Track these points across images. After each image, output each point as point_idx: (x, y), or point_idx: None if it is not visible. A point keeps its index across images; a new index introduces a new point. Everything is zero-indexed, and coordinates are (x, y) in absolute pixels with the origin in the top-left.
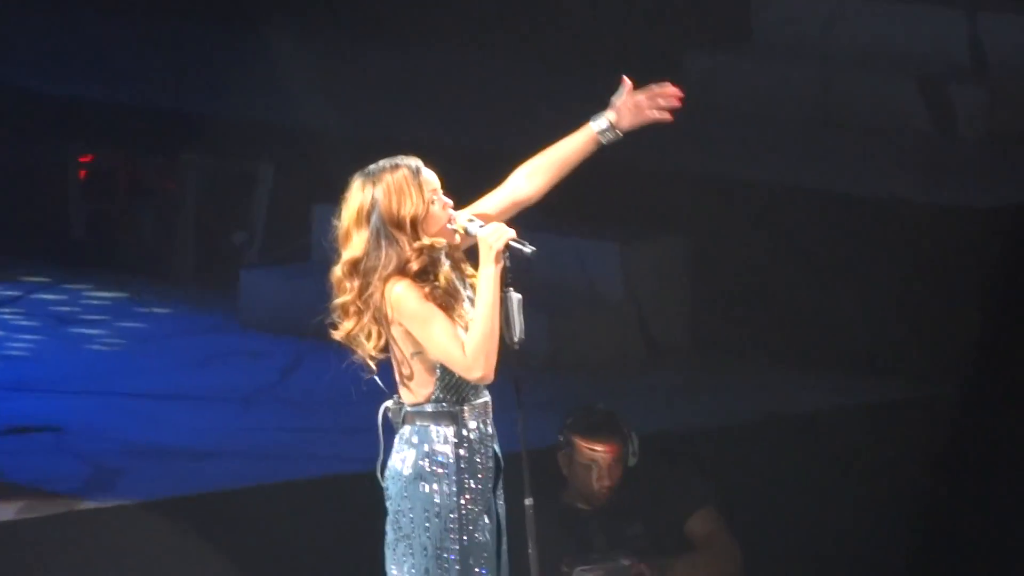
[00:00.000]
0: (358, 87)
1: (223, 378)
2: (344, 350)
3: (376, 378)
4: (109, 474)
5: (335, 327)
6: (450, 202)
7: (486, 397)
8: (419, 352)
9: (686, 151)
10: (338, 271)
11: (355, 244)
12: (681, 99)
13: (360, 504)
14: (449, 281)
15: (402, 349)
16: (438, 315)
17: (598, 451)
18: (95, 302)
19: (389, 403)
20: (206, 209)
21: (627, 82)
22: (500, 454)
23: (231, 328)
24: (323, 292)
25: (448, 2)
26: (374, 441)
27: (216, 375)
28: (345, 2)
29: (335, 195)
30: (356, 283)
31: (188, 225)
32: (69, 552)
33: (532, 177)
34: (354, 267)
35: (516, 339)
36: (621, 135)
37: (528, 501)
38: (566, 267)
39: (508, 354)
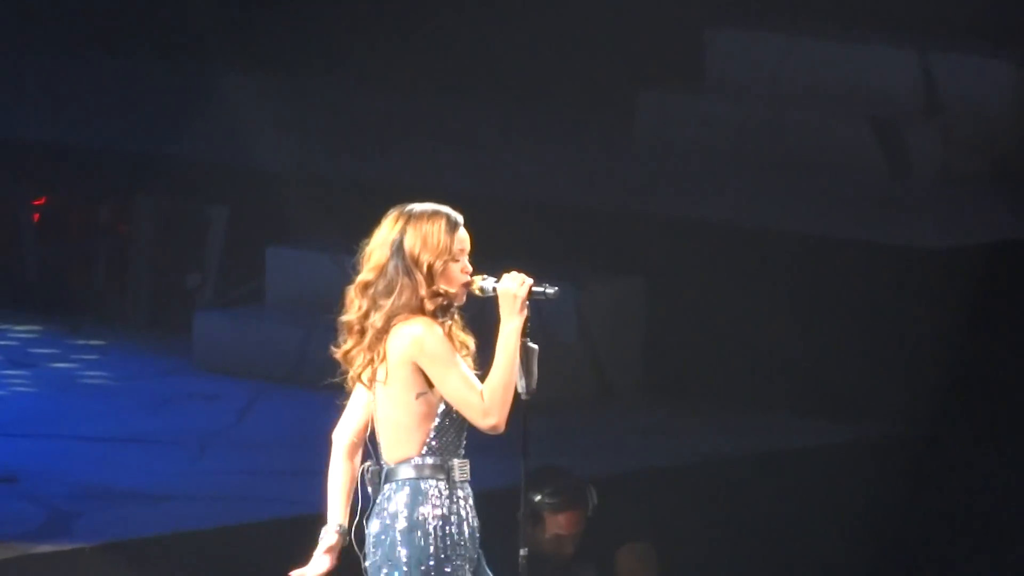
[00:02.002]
0: (314, 129)
1: (178, 421)
2: (298, 394)
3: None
4: (64, 518)
5: (338, 345)
6: (471, 269)
7: (467, 457)
8: (424, 393)
9: (640, 191)
10: (352, 290)
11: (372, 266)
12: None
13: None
14: (455, 337)
15: (405, 390)
16: (458, 357)
17: (566, 526)
18: (49, 345)
19: (370, 465)
20: (160, 251)
21: None
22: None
23: (185, 371)
24: (278, 334)
25: (404, 42)
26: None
27: (171, 418)
28: (301, 43)
29: (289, 237)
30: (365, 304)
31: (142, 267)
32: None
33: None
34: (366, 288)
35: (531, 389)
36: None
37: (523, 551)
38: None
39: (518, 403)
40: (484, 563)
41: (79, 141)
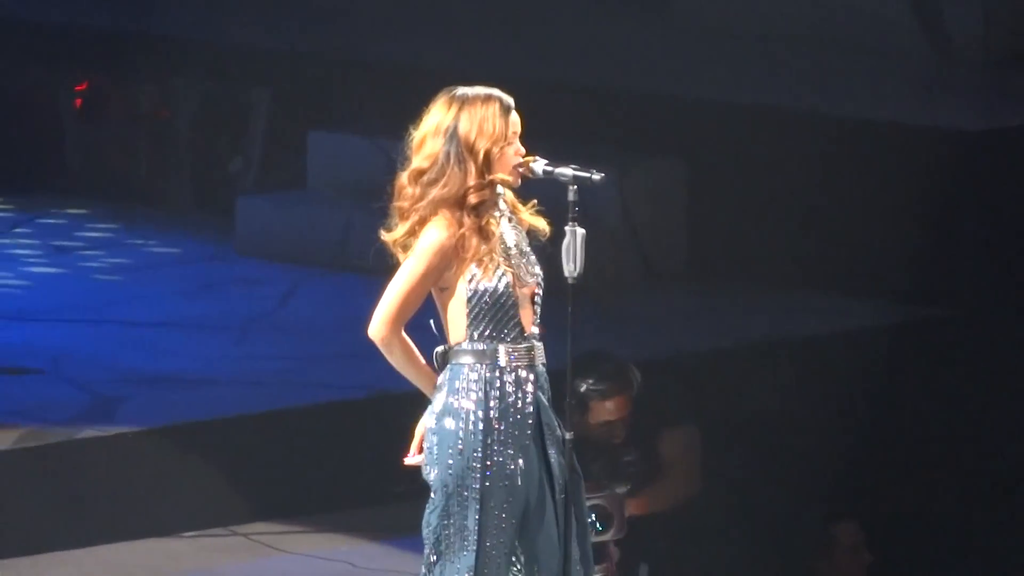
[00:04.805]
0: (356, 13)
1: (220, 306)
2: (339, 278)
3: (432, 323)
4: (107, 402)
5: (388, 229)
6: (523, 151)
7: (529, 343)
8: (445, 288)
9: (680, 74)
10: (404, 177)
11: (426, 153)
12: None
13: (356, 431)
14: (491, 229)
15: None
16: (416, 268)
17: (615, 411)
18: (91, 231)
19: (439, 348)
20: (202, 136)
21: None
22: (546, 403)
23: (227, 256)
24: (319, 219)
25: None
26: (370, 368)
27: (213, 303)
28: None
29: (331, 121)
30: (417, 191)
31: (184, 152)
32: (67, 480)
33: None
34: (419, 175)
35: (576, 274)
36: None
37: (568, 435)
38: (562, 193)
39: (564, 288)
40: (543, 451)
41: (122, 25)
